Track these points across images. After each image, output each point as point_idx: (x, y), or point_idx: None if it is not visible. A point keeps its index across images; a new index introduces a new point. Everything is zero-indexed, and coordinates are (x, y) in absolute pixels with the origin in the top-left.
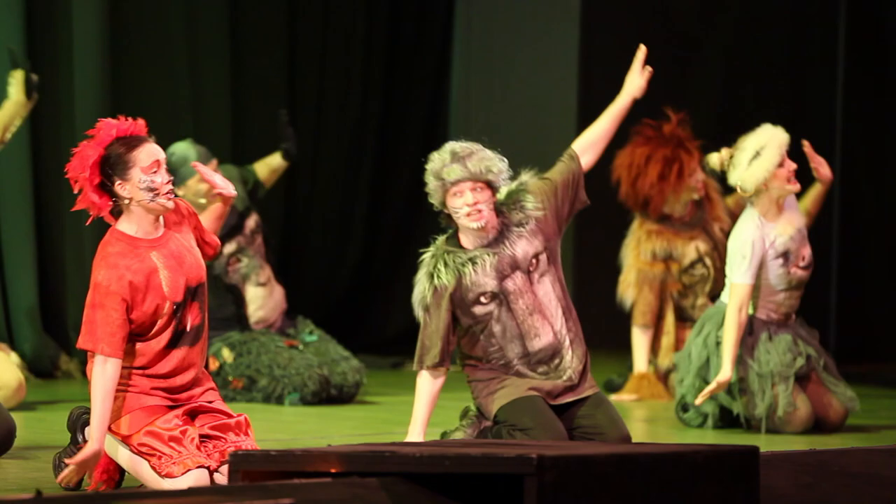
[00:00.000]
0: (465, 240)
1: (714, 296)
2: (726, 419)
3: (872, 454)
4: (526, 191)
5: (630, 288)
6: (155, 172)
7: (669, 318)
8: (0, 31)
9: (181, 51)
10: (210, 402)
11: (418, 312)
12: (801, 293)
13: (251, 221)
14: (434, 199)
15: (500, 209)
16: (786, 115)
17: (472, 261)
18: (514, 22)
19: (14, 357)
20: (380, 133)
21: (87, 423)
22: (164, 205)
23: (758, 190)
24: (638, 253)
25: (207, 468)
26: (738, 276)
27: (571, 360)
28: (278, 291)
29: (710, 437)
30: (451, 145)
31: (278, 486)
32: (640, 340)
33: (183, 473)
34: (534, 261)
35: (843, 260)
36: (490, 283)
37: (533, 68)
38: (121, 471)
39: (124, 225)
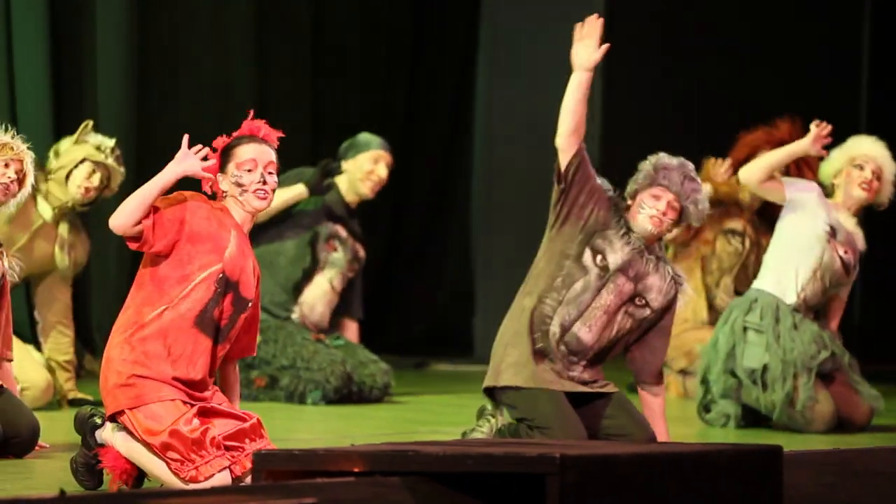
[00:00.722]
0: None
1: (738, 289)
2: (749, 419)
3: None
4: (683, 290)
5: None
6: (249, 171)
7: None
8: (26, 23)
9: (207, 48)
10: (220, 405)
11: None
12: (825, 297)
13: (360, 248)
14: (633, 184)
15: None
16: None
17: (627, 232)
18: (538, 16)
19: (37, 356)
20: (402, 132)
21: (95, 425)
22: (251, 203)
23: (832, 182)
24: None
25: (231, 469)
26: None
27: (583, 371)
28: (330, 310)
29: (732, 437)
30: (685, 160)
31: (301, 485)
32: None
33: (206, 479)
34: (644, 302)
35: (866, 257)
36: (614, 258)
37: (557, 62)
38: (139, 469)
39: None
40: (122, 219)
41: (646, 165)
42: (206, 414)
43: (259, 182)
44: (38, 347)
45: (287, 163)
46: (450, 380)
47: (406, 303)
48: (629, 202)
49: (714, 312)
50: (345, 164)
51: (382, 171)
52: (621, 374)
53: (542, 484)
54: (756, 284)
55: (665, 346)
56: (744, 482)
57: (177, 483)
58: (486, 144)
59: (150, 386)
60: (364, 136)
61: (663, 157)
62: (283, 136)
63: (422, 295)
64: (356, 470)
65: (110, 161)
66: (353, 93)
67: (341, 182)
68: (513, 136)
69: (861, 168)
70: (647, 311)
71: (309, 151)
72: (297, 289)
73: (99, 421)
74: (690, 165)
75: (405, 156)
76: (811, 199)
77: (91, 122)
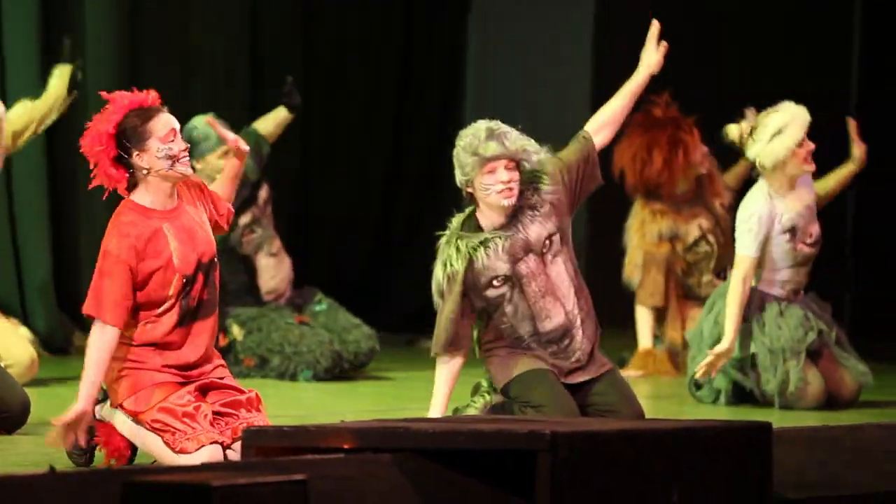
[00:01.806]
0: (484, 220)
1: (719, 272)
2: (739, 395)
3: (885, 430)
4: (542, 171)
5: (637, 269)
6: (172, 141)
7: (673, 300)
8: (15, 7)
9: (198, 34)
10: (221, 379)
11: (436, 299)
12: (809, 270)
13: (263, 192)
14: (462, 176)
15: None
16: (800, 92)
17: (485, 244)
18: (529, 6)
19: (25, 331)
20: (396, 111)
21: (96, 401)
22: (182, 172)
23: (774, 166)
24: (643, 234)
25: (221, 444)
26: (744, 249)
27: (581, 341)
28: (287, 262)
29: (722, 413)
30: (484, 123)
31: (291, 461)
32: (644, 317)
33: (197, 449)
34: (547, 242)
35: (857, 234)
36: (502, 267)
37: (549, 43)
38: (133, 447)
39: (139, 196)
40: None
41: (460, 154)
42: (205, 389)
43: (184, 149)
44: (26, 318)
45: (276, 146)
46: None
47: (396, 280)
48: (469, 193)
49: (700, 302)
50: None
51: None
52: (612, 352)
53: (532, 461)
54: None
55: (571, 155)
56: (733, 459)
57: (170, 457)
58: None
59: (142, 374)
60: (204, 130)
61: (467, 137)
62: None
63: (412, 272)
64: (346, 447)
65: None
66: (344, 80)
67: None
68: (503, 115)
69: (801, 144)
70: (556, 236)
71: (298, 136)
72: (253, 290)
73: (100, 396)
74: (493, 124)
75: (398, 134)
76: (765, 225)
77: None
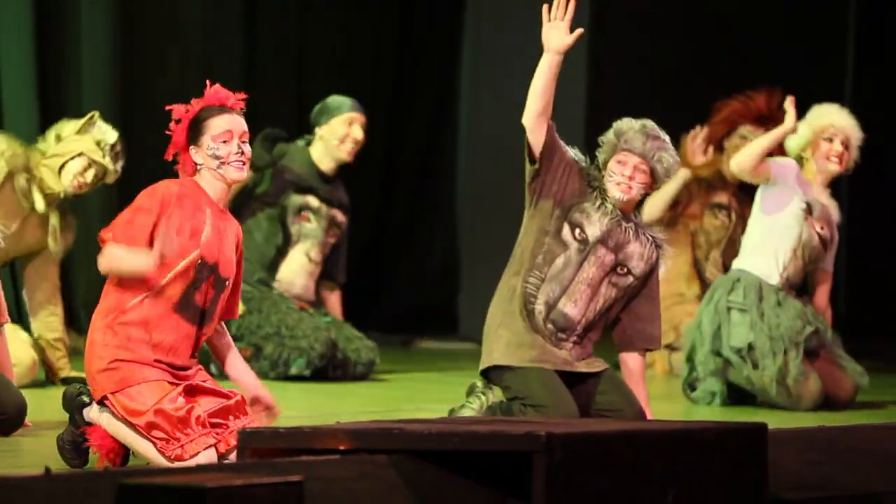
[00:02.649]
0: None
1: (726, 263)
2: (734, 397)
3: (881, 431)
4: (665, 253)
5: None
6: (225, 142)
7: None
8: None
9: (194, 25)
10: (204, 382)
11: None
12: (806, 271)
13: (340, 216)
14: (601, 154)
15: (644, 224)
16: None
17: (603, 202)
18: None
19: (24, 335)
20: (389, 109)
21: (83, 404)
22: (230, 174)
23: (799, 156)
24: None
25: (215, 447)
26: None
27: (573, 349)
28: (314, 283)
29: (717, 414)
30: (647, 121)
31: (287, 463)
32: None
33: (192, 456)
34: (626, 270)
35: (852, 235)
36: (593, 230)
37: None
38: (126, 448)
39: (201, 180)
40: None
41: (608, 134)
42: (192, 392)
43: (238, 153)
44: (25, 328)
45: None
46: (435, 357)
47: (391, 281)
48: (602, 172)
49: (704, 285)
50: (318, 131)
51: (358, 133)
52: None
53: (528, 462)
54: (737, 265)
55: (654, 311)
56: (729, 460)
57: (163, 462)
58: (472, 122)
59: (133, 368)
60: (335, 100)
61: (624, 122)
62: (246, 97)
63: (407, 273)
64: (342, 448)
65: (107, 160)
66: (341, 67)
67: (315, 149)
68: (499, 114)
69: (830, 140)
70: (631, 279)
71: (295, 119)
72: (273, 266)
73: (87, 399)
74: (651, 124)
75: (391, 139)
76: (790, 177)
77: (97, 114)
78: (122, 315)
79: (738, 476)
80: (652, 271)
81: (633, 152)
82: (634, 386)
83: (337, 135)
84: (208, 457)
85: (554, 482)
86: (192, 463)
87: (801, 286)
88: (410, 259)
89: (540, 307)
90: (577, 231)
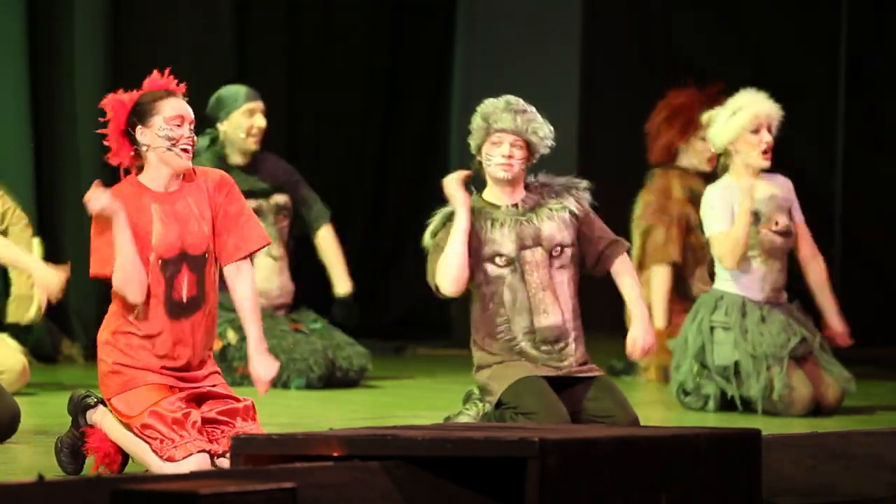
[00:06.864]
0: (493, 196)
1: (712, 273)
2: (727, 402)
3: (874, 437)
4: (582, 188)
5: (654, 215)
6: (178, 126)
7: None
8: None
9: (184, 28)
10: (214, 387)
11: (427, 242)
12: (783, 266)
13: (281, 198)
14: (473, 141)
15: (545, 184)
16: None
17: (495, 219)
18: (516, 11)
19: (13, 342)
20: (383, 121)
21: (88, 406)
22: (178, 157)
23: (727, 151)
24: (671, 189)
25: (209, 452)
26: (715, 227)
27: (574, 351)
28: (287, 276)
29: (710, 420)
30: (509, 97)
31: (280, 469)
32: (661, 280)
33: (184, 458)
34: (559, 248)
35: (845, 242)
36: (508, 247)
37: (537, 44)
38: (123, 454)
39: (141, 176)
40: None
41: (475, 119)
42: (199, 400)
43: (188, 138)
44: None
45: (263, 152)
46: (428, 364)
47: (384, 287)
48: (478, 159)
49: (690, 303)
50: (220, 126)
51: (261, 122)
52: (601, 358)
53: (522, 468)
54: (717, 286)
55: (599, 226)
56: (723, 466)
57: (157, 463)
58: (465, 131)
59: (135, 373)
60: (229, 91)
61: (487, 104)
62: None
63: (400, 279)
64: (335, 454)
65: None
66: (334, 78)
67: (222, 147)
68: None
69: (756, 132)
70: (569, 250)
71: (286, 113)
72: None
73: (92, 402)
74: (515, 99)
75: (385, 144)
76: (734, 200)
77: None
78: (125, 323)
79: (731, 482)
80: (578, 219)
81: (505, 131)
82: (632, 287)
83: (241, 128)
84: (200, 463)
85: (547, 488)
86: (184, 468)
87: (787, 285)
88: (404, 266)
89: (523, 342)
90: (497, 259)
